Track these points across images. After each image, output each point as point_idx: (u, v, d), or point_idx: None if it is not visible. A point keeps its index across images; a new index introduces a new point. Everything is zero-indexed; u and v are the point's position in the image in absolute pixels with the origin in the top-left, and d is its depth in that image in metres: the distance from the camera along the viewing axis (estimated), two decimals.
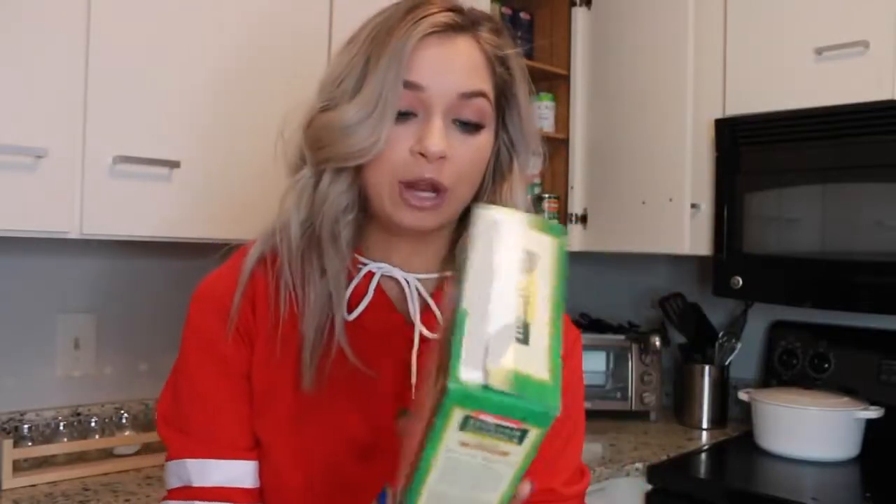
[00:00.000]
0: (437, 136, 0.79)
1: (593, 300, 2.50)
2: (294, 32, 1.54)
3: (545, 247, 0.59)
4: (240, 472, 0.84)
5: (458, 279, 0.58)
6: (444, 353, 0.55)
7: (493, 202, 0.87)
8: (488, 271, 0.55)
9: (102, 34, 1.31)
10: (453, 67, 0.81)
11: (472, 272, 0.55)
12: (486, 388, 0.48)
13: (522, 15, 2.31)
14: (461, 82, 0.80)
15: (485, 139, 0.84)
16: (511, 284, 0.55)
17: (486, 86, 0.83)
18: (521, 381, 0.49)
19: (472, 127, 0.82)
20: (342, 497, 0.84)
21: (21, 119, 1.23)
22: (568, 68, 2.26)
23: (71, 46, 1.28)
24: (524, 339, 0.52)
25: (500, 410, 0.49)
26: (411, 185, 0.80)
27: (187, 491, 0.84)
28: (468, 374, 0.49)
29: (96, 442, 1.58)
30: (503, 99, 0.86)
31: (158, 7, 1.37)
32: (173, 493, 0.86)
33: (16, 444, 1.46)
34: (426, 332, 0.85)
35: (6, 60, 1.22)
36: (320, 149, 0.82)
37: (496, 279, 0.55)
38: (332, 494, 0.84)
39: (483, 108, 0.82)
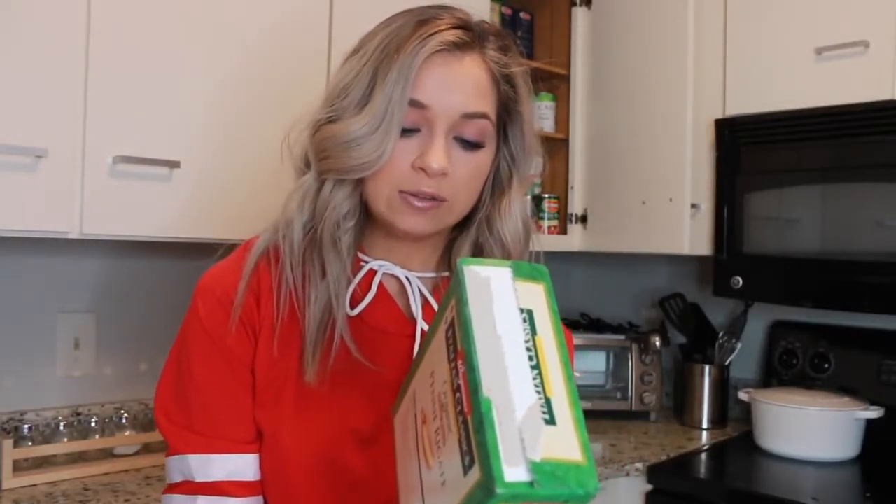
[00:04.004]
0: (440, 154, 0.81)
1: (593, 300, 2.50)
2: (295, 33, 1.54)
3: (537, 297, 0.60)
4: (241, 466, 0.85)
5: (451, 337, 0.58)
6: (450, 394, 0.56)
7: (492, 215, 0.90)
8: (496, 344, 0.55)
9: (102, 34, 1.31)
10: (458, 88, 0.82)
11: (479, 345, 0.55)
12: (531, 484, 0.49)
13: (522, 15, 2.31)
14: (465, 103, 0.82)
15: (484, 157, 0.86)
16: (522, 357, 0.55)
17: (489, 107, 0.84)
18: (562, 469, 0.50)
19: (472, 145, 0.84)
20: (343, 486, 0.85)
21: (21, 119, 1.23)
22: (568, 68, 2.25)
23: (71, 46, 1.28)
24: (551, 419, 0.52)
25: (544, 499, 0.50)
26: (410, 194, 0.82)
27: (189, 486, 0.85)
28: (512, 473, 0.49)
29: (96, 442, 1.58)
30: (506, 115, 0.88)
31: (159, 7, 1.37)
32: (174, 488, 0.86)
33: (16, 444, 1.46)
34: (427, 328, 0.86)
35: (6, 60, 1.22)
36: (324, 159, 0.84)
37: (506, 354, 0.55)
38: (334, 484, 0.85)
39: (484, 128, 0.84)
